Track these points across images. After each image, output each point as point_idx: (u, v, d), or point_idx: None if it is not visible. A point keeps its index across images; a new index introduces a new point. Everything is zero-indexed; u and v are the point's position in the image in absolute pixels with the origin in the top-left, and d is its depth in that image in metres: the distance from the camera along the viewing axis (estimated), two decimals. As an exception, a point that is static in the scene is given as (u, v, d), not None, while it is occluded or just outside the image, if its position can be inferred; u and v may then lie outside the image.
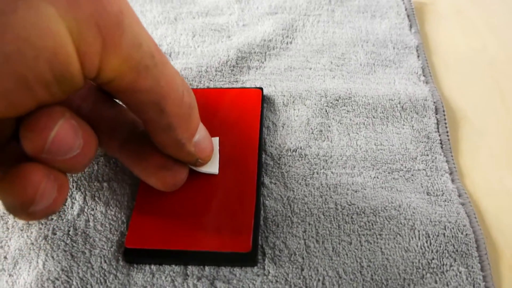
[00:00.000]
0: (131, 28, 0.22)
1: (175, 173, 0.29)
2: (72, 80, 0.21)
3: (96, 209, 0.32)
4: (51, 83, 0.20)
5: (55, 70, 0.20)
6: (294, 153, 0.35)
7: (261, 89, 0.38)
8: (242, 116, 0.36)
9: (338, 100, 0.39)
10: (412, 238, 0.30)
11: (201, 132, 0.29)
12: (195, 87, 0.40)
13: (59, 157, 0.23)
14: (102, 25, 0.21)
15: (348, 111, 0.38)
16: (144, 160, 0.29)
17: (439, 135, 0.37)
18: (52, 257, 0.29)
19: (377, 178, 0.34)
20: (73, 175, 0.33)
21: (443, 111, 0.38)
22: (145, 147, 0.29)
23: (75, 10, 0.20)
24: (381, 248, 0.30)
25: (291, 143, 0.36)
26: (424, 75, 0.42)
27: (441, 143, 0.36)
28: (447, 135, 0.37)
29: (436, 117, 0.38)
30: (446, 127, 0.37)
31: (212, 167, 0.32)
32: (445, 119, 0.38)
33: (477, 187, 0.35)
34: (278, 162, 0.35)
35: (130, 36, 0.22)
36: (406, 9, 0.50)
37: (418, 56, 0.44)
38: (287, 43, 0.45)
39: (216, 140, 0.33)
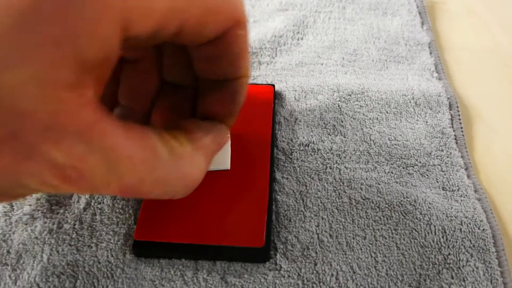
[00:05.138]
0: None
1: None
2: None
3: (103, 202, 0.31)
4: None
5: None
6: (306, 147, 0.34)
7: (273, 85, 0.38)
8: (254, 113, 0.35)
9: (351, 95, 0.38)
10: (428, 233, 0.29)
11: None
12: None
13: None
14: None
15: (361, 106, 0.37)
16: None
17: (454, 131, 0.36)
18: (57, 251, 0.29)
19: (392, 173, 0.33)
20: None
21: (457, 107, 0.38)
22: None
23: None
24: (396, 243, 0.29)
25: (304, 137, 0.35)
26: (437, 72, 0.42)
27: (455, 139, 0.35)
28: (462, 131, 0.36)
29: (450, 113, 0.37)
30: (460, 123, 0.36)
31: (224, 163, 0.31)
32: (459, 115, 0.37)
33: (491, 183, 0.34)
34: (290, 157, 0.34)
35: None
36: (417, 7, 0.49)
37: (431, 53, 0.44)
38: (298, 39, 0.45)
39: (227, 135, 0.32)
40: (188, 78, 0.29)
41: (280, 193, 0.32)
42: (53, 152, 0.18)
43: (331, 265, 0.28)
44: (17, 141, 0.17)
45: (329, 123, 0.36)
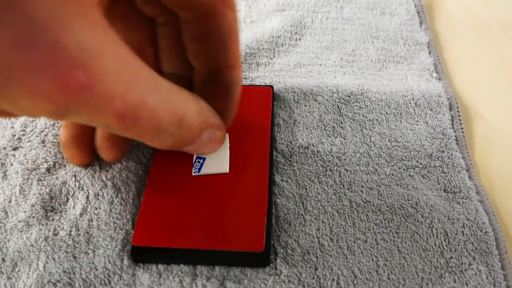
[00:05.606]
0: None
1: None
2: None
3: (99, 208, 0.30)
4: None
5: None
6: (306, 150, 0.34)
7: (272, 87, 0.37)
8: (252, 114, 0.35)
9: (350, 96, 0.38)
10: (430, 236, 0.29)
11: None
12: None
13: None
14: None
15: (360, 107, 0.37)
16: None
17: (454, 131, 0.35)
18: (53, 258, 0.28)
19: (393, 175, 0.32)
20: (76, 174, 0.32)
21: (457, 107, 0.37)
22: None
23: None
24: (398, 247, 0.28)
25: (303, 140, 0.34)
26: (436, 72, 0.41)
27: (456, 140, 0.35)
28: (462, 132, 0.36)
29: (450, 113, 0.37)
30: (460, 123, 0.36)
31: (223, 166, 0.31)
32: (459, 116, 0.37)
33: (493, 184, 0.34)
34: (290, 159, 0.33)
35: None
36: (415, 6, 0.49)
37: (430, 53, 0.43)
38: (296, 39, 0.44)
39: (226, 138, 0.32)
40: (183, 67, 0.29)
41: (279, 196, 0.31)
42: (67, 38, 0.16)
43: (332, 269, 0.28)
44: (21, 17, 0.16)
45: (328, 124, 0.36)
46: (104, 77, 0.18)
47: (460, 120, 0.36)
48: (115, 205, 0.30)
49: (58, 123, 0.35)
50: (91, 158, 0.33)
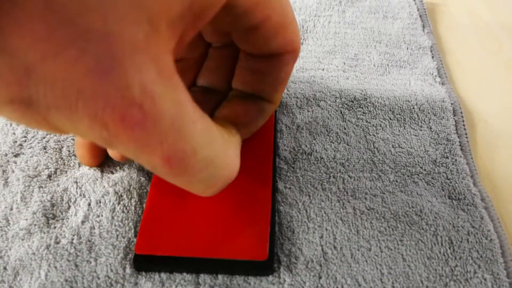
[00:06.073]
0: None
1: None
2: None
3: (101, 215, 0.30)
4: None
5: None
6: (309, 156, 0.34)
7: None
8: None
9: (353, 102, 0.37)
10: (435, 244, 0.29)
11: None
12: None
13: None
14: None
15: (364, 112, 0.37)
16: None
17: (458, 137, 0.35)
18: (55, 267, 0.28)
19: (397, 181, 0.32)
20: (77, 181, 0.32)
21: (461, 112, 0.37)
22: None
23: None
24: (402, 255, 0.28)
25: (306, 146, 0.34)
26: (439, 76, 0.41)
27: (460, 145, 0.35)
28: (466, 137, 0.35)
29: (454, 118, 0.37)
30: (464, 129, 0.36)
31: None
32: (463, 121, 0.36)
33: (497, 190, 0.33)
34: (293, 166, 0.33)
35: None
36: (418, 9, 0.49)
37: (433, 57, 0.43)
38: (298, 44, 0.44)
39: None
40: (219, 85, 0.31)
41: (283, 204, 0.31)
42: (130, 78, 0.17)
43: (336, 278, 0.27)
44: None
45: (332, 130, 0.35)
46: (160, 120, 0.19)
47: (464, 125, 0.36)
48: (117, 213, 0.30)
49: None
50: (100, 160, 0.33)
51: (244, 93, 0.30)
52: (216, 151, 0.22)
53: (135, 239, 0.29)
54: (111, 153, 0.32)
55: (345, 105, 0.37)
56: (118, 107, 0.17)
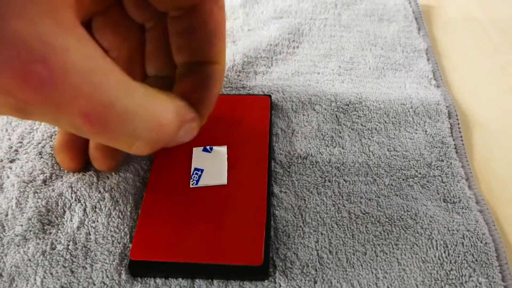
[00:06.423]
0: None
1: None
2: None
3: (97, 221, 0.30)
4: None
5: None
6: (304, 160, 0.34)
7: (270, 96, 0.37)
8: (250, 125, 0.35)
9: (348, 105, 0.37)
10: (430, 248, 0.29)
11: None
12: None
13: None
14: None
15: (359, 116, 0.37)
16: None
17: (453, 140, 0.35)
18: (51, 273, 0.28)
19: (392, 185, 0.32)
20: (72, 186, 0.32)
21: (456, 115, 0.37)
22: None
23: None
24: (397, 259, 0.28)
25: (301, 150, 0.34)
26: (435, 79, 0.41)
27: (455, 148, 0.35)
28: (461, 140, 0.35)
29: (449, 121, 0.37)
30: (460, 132, 0.36)
31: (221, 178, 0.31)
32: (458, 124, 0.36)
33: (492, 193, 0.33)
34: (288, 170, 0.33)
35: None
36: (413, 12, 0.49)
37: (428, 60, 0.43)
38: (293, 47, 0.44)
39: (224, 149, 0.32)
40: (166, 69, 0.30)
41: (278, 208, 0.31)
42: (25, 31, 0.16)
43: (331, 282, 0.27)
44: None
45: (327, 134, 0.35)
46: (68, 74, 0.17)
47: (459, 128, 0.36)
48: (113, 218, 0.30)
49: (56, 134, 0.35)
50: (81, 164, 0.33)
51: (187, 66, 0.29)
52: (137, 102, 0.21)
53: (130, 245, 0.29)
54: (96, 164, 0.32)
55: (340, 109, 0.37)
56: (17, 67, 0.16)
